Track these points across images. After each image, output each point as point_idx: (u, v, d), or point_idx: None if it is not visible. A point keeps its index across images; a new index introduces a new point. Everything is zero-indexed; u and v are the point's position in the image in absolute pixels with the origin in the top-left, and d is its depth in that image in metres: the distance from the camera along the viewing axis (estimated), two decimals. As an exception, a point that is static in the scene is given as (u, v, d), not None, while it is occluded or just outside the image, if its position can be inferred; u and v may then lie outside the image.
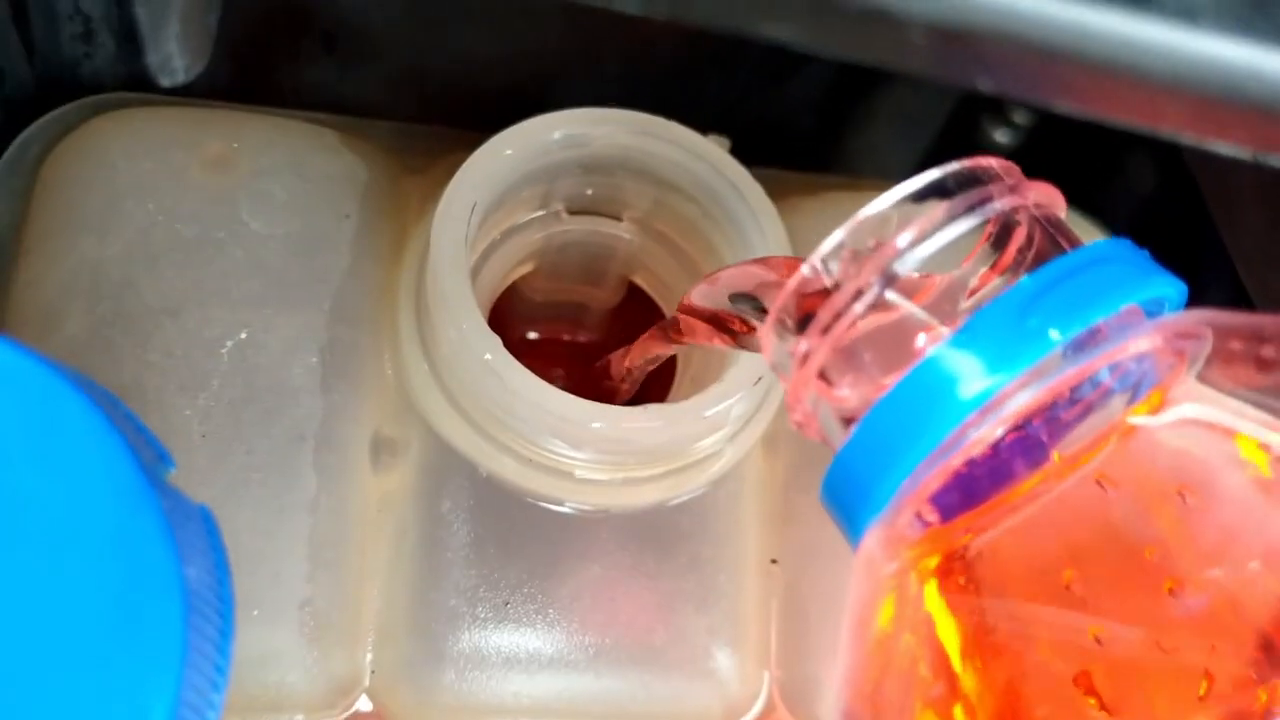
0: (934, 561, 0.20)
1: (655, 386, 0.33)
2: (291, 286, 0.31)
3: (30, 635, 0.17)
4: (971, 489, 0.20)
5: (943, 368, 0.18)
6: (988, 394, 0.18)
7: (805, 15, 0.15)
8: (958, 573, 0.20)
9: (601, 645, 0.30)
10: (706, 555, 0.31)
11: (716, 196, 0.31)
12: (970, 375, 0.18)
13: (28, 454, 0.18)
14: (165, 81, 0.20)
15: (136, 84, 0.34)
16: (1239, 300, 0.31)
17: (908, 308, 0.20)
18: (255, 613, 0.29)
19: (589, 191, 0.33)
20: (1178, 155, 0.37)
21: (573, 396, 0.28)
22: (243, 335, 0.30)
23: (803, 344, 0.20)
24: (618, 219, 0.33)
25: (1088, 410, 0.20)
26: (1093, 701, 0.18)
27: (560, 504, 0.31)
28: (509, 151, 0.30)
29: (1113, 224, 0.38)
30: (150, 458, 0.20)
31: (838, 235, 0.20)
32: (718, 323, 0.26)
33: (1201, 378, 0.20)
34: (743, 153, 0.31)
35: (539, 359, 0.30)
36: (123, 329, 0.30)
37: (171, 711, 0.17)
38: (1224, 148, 0.16)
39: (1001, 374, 0.18)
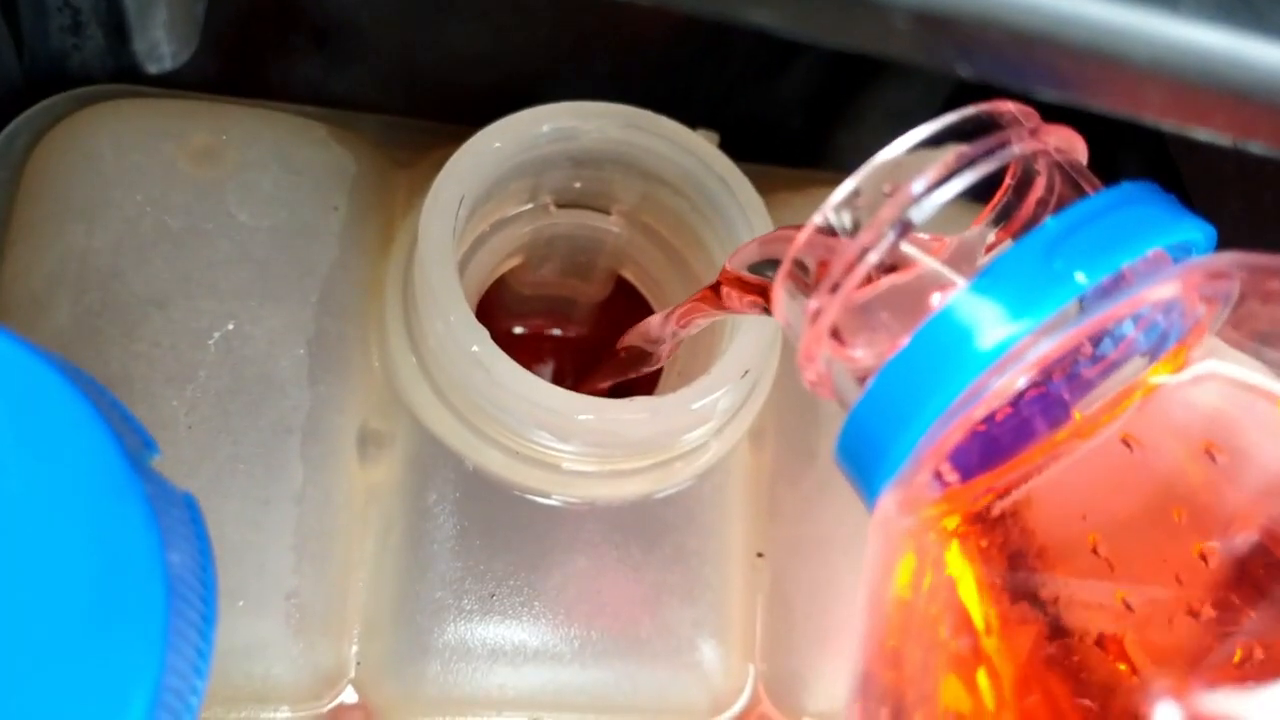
0: (954, 523, 0.19)
1: (643, 379, 0.33)
2: (279, 278, 0.31)
3: (11, 619, 0.17)
4: (992, 448, 0.19)
5: (963, 315, 0.17)
6: (1012, 340, 0.17)
7: (788, 0, 0.15)
8: (980, 535, 0.19)
9: (587, 637, 0.30)
10: (692, 548, 0.31)
11: (705, 191, 0.31)
12: (992, 321, 0.17)
13: (11, 438, 0.18)
14: (152, 68, 0.20)
15: (125, 76, 0.34)
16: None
17: (925, 262, 0.18)
18: (240, 604, 0.29)
19: (577, 185, 0.33)
20: (1166, 152, 0.37)
21: (559, 388, 0.28)
22: (230, 327, 0.30)
23: (814, 301, 0.19)
24: (606, 213, 0.33)
25: (1110, 367, 0.19)
26: (1123, 667, 0.18)
27: (547, 496, 0.31)
28: (497, 144, 0.30)
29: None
30: (135, 444, 0.20)
31: (851, 182, 0.19)
32: (752, 290, 0.25)
33: (1233, 327, 0.19)
34: (732, 148, 0.31)
35: (526, 352, 0.30)
36: (110, 319, 0.30)
37: (153, 697, 0.17)
38: (1204, 134, 0.16)
39: (1026, 319, 0.17)
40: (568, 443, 0.30)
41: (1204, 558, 0.18)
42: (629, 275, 0.35)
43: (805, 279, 0.20)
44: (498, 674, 0.30)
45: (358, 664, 0.30)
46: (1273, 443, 0.19)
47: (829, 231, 0.19)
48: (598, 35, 0.37)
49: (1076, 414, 0.19)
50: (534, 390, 0.28)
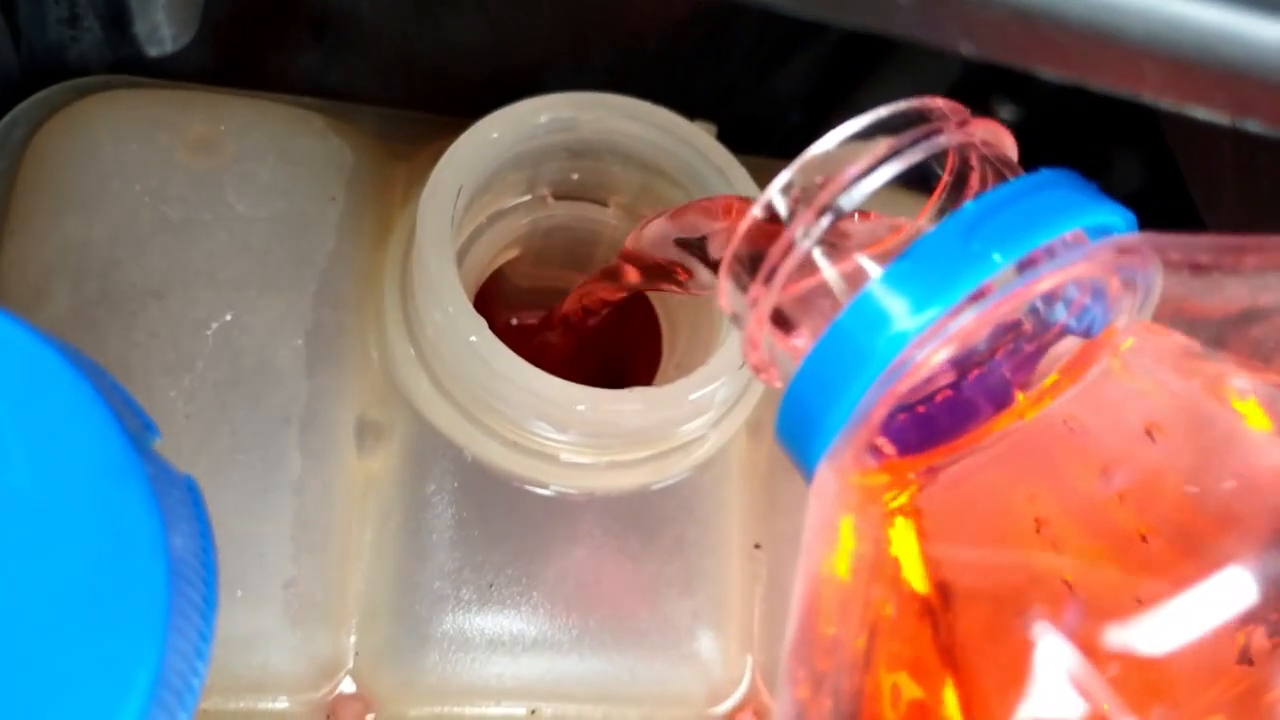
0: (899, 502, 0.20)
1: (642, 370, 0.33)
2: (277, 269, 0.31)
3: (13, 600, 0.17)
4: (938, 427, 0.20)
5: (884, 295, 0.18)
6: (930, 316, 0.17)
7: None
8: (923, 514, 0.20)
9: (585, 628, 0.30)
10: (690, 539, 0.31)
11: (703, 183, 0.31)
12: (912, 299, 0.18)
13: (14, 420, 0.18)
14: (153, 51, 0.20)
15: (122, 67, 0.34)
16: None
17: (861, 256, 0.19)
18: (239, 594, 0.29)
19: (575, 176, 0.33)
20: (1165, 151, 0.37)
21: (558, 379, 0.28)
22: (228, 317, 0.30)
23: (752, 290, 0.20)
24: (604, 204, 0.34)
25: (1047, 349, 0.19)
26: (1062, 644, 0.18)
27: (545, 487, 0.31)
28: (495, 135, 0.30)
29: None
30: (136, 426, 0.20)
31: (785, 174, 0.20)
32: (659, 270, 0.26)
33: (1159, 315, 0.20)
34: (729, 141, 0.31)
35: (523, 344, 0.30)
36: (108, 309, 0.30)
37: (155, 679, 0.17)
38: (1203, 113, 0.16)
39: (943, 296, 0.17)
40: (566, 433, 0.30)
41: (1144, 538, 0.18)
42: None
43: (746, 269, 0.20)
44: (496, 664, 0.30)
45: (356, 654, 0.30)
46: (1207, 421, 0.19)
47: (767, 222, 0.20)
48: (596, 27, 0.37)
49: (1020, 396, 0.20)
50: (532, 380, 0.28)
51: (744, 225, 0.20)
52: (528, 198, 0.33)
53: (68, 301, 0.30)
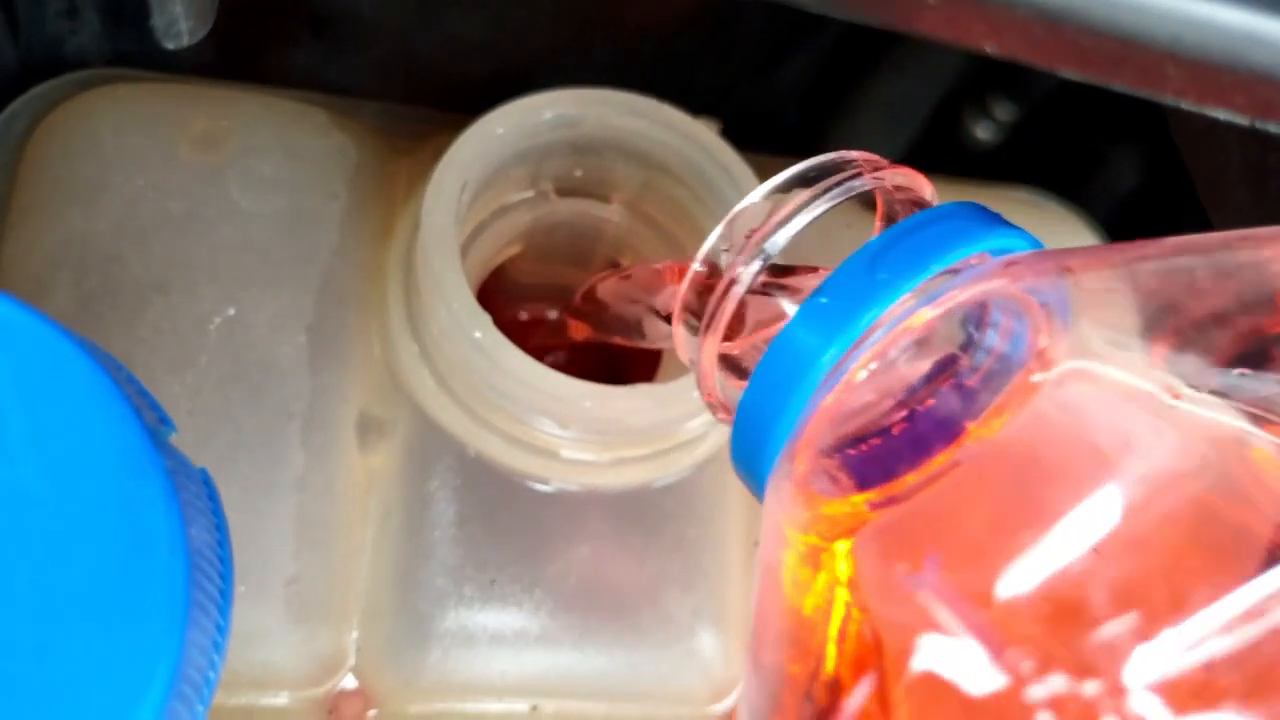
0: (847, 529, 0.21)
1: (643, 367, 0.33)
2: (280, 265, 0.31)
3: (33, 594, 0.17)
4: (893, 461, 0.21)
5: (803, 325, 0.20)
6: (843, 342, 0.19)
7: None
8: (877, 543, 0.20)
9: (587, 625, 0.30)
10: (692, 536, 0.31)
11: (707, 180, 0.31)
12: (825, 328, 0.19)
13: (34, 412, 0.18)
14: (170, 44, 0.20)
15: (121, 61, 0.34)
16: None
17: (788, 301, 0.22)
18: (241, 590, 0.29)
19: (578, 173, 0.33)
20: (1160, 149, 0.37)
21: (562, 375, 0.28)
22: (231, 312, 0.30)
23: (699, 338, 0.22)
24: (606, 201, 0.34)
25: (991, 379, 0.21)
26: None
27: (547, 484, 0.31)
28: (500, 131, 0.30)
29: (1095, 217, 0.39)
30: (153, 420, 0.20)
31: (716, 232, 0.22)
32: (613, 323, 0.29)
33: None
34: (733, 138, 0.31)
35: (525, 341, 0.30)
36: (110, 304, 0.30)
37: (175, 671, 0.17)
38: (1223, 114, 0.17)
39: (851, 322, 0.19)
40: (569, 429, 0.30)
41: (1099, 553, 0.19)
42: (629, 264, 0.35)
43: (696, 318, 0.23)
44: (498, 661, 0.30)
45: (358, 650, 0.30)
46: (1144, 434, 0.19)
47: (708, 276, 0.22)
48: (598, 28, 0.37)
49: (970, 426, 0.20)
50: (537, 376, 0.28)
51: (688, 278, 0.22)
52: (531, 194, 0.33)
53: (69, 296, 0.30)
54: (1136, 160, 0.40)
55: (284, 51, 0.37)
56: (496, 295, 0.35)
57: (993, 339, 0.21)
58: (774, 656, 0.21)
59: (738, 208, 0.22)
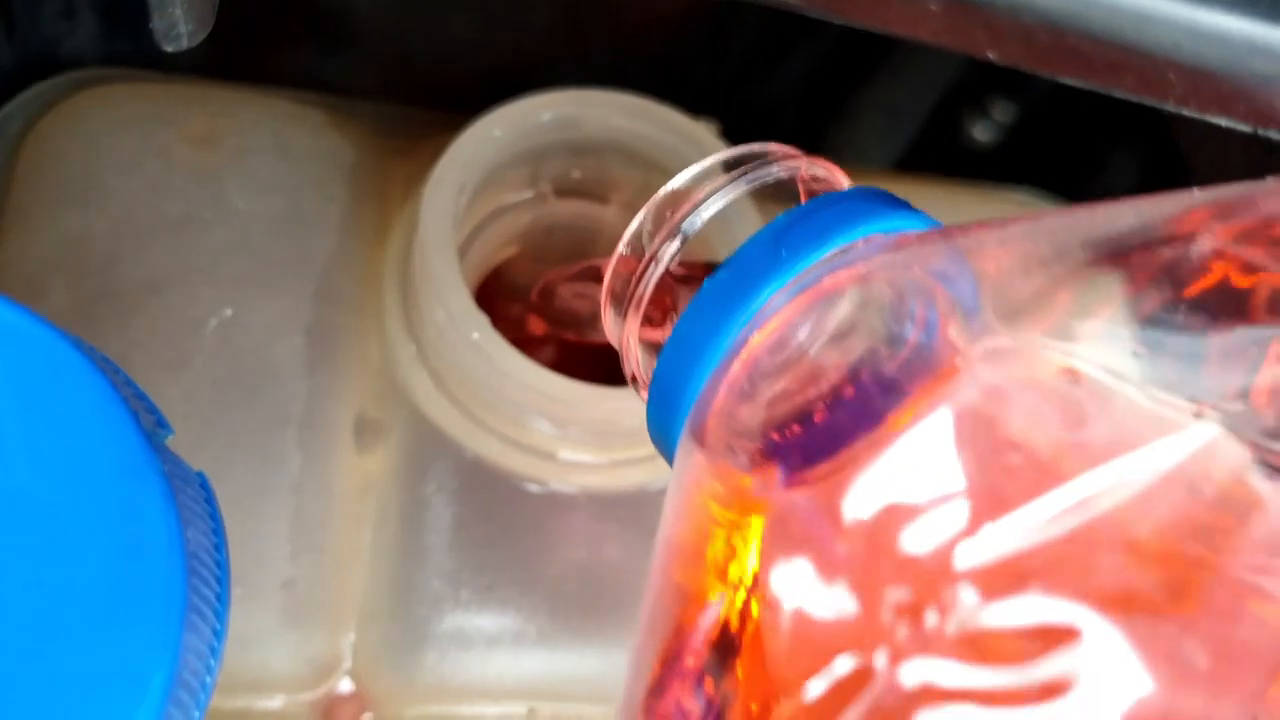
0: (764, 514, 0.21)
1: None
2: (276, 266, 0.31)
3: (30, 597, 0.17)
4: (815, 448, 0.21)
5: (710, 297, 0.20)
6: (746, 313, 0.20)
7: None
8: (794, 528, 0.21)
9: (584, 628, 0.30)
10: (690, 539, 0.31)
11: (704, 181, 0.31)
12: (730, 300, 0.20)
13: (30, 415, 0.18)
14: (170, 46, 0.20)
15: (117, 61, 0.34)
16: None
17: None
18: (237, 592, 0.28)
19: (576, 174, 0.33)
20: (1160, 152, 0.37)
21: (560, 376, 0.28)
22: (227, 314, 0.30)
23: (623, 318, 0.23)
24: (605, 202, 0.34)
25: (909, 366, 0.21)
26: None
27: (545, 486, 0.31)
28: (498, 132, 0.30)
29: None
30: (149, 422, 0.20)
31: (639, 217, 0.23)
32: (565, 318, 0.30)
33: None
34: (730, 139, 0.31)
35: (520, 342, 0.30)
36: (106, 306, 0.30)
37: (171, 675, 0.17)
38: (1224, 121, 0.17)
39: (757, 295, 0.20)
40: (567, 431, 0.30)
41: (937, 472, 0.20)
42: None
43: (621, 298, 0.24)
44: (495, 663, 0.30)
45: (354, 653, 0.30)
46: (1063, 415, 0.20)
47: (634, 258, 0.23)
48: (596, 29, 0.37)
49: (890, 415, 0.21)
50: (535, 377, 0.28)
51: (613, 260, 0.23)
52: (529, 195, 0.33)
53: (65, 297, 0.30)
54: (1136, 162, 0.40)
55: (281, 52, 0.37)
56: (494, 296, 0.35)
57: (909, 330, 0.21)
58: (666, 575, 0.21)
59: (659, 194, 0.23)
